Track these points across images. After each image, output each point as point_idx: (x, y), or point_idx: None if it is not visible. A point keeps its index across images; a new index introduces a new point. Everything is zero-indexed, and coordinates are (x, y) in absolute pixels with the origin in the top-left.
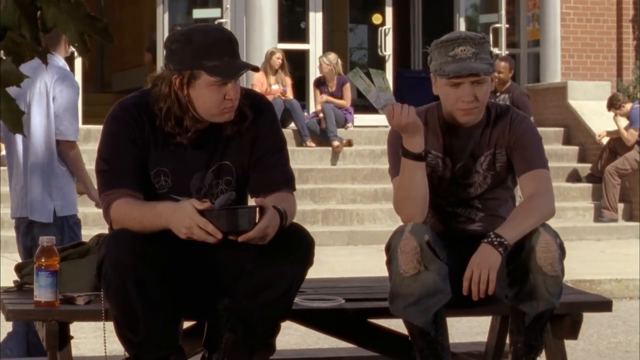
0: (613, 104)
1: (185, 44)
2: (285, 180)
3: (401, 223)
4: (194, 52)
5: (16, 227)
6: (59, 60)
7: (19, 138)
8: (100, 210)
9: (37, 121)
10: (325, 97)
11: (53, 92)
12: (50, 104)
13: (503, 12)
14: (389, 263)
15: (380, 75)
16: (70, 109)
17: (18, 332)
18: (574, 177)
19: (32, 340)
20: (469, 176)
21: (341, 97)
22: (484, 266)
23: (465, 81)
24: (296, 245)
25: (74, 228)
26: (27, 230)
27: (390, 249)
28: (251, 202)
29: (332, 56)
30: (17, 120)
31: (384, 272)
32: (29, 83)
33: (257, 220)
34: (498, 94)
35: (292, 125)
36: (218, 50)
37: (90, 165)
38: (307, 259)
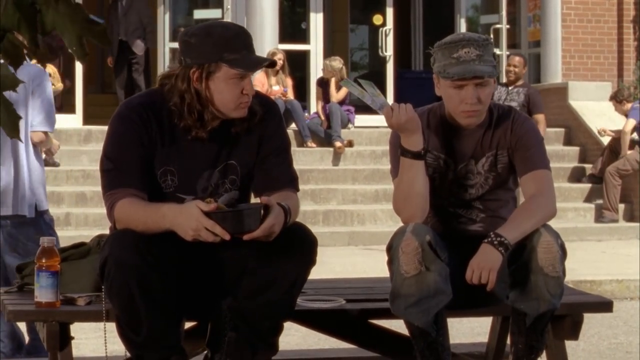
0: (616, 97)
1: (206, 37)
2: (289, 180)
3: (402, 224)
4: (215, 45)
5: None
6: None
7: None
8: (102, 211)
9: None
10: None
11: (32, 88)
12: (29, 99)
13: (504, 12)
14: (390, 263)
15: (370, 84)
16: (49, 102)
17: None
18: (575, 177)
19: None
20: (471, 177)
21: (342, 101)
22: (485, 266)
23: (469, 83)
24: (299, 245)
25: (50, 225)
26: None
27: (391, 249)
28: (254, 200)
29: (337, 63)
30: (14, 125)
31: (384, 272)
32: None
33: (262, 219)
34: (511, 87)
35: (293, 125)
36: (238, 44)
37: (92, 165)
38: (309, 258)
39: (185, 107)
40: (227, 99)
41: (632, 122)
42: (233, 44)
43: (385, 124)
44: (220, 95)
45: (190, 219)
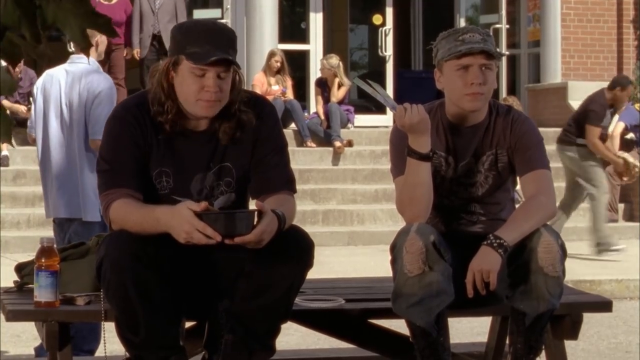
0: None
1: (179, 30)
2: (285, 182)
3: (402, 223)
4: (182, 38)
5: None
6: (84, 60)
7: (56, 140)
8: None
9: (80, 123)
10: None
11: (93, 94)
12: (91, 105)
13: (503, 12)
14: (394, 262)
15: (379, 86)
16: (107, 110)
17: None
18: None
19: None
20: (471, 175)
21: (342, 101)
22: (485, 268)
23: (475, 63)
24: (295, 248)
25: None
26: (67, 229)
27: (395, 249)
28: (252, 203)
29: (334, 60)
30: (6, 130)
31: (384, 272)
32: (66, 87)
33: (255, 224)
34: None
35: (293, 125)
36: (202, 38)
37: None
38: (306, 261)
39: (151, 97)
40: (186, 92)
41: (621, 125)
42: (197, 38)
43: (385, 124)
44: (180, 88)
45: (182, 221)
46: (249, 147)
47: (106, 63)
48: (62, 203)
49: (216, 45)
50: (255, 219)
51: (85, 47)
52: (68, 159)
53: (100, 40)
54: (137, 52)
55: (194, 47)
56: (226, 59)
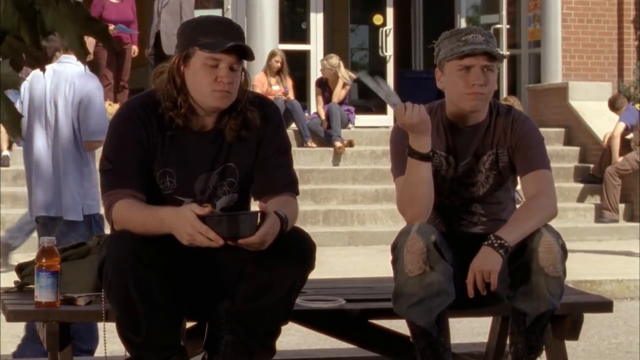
0: (615, 106)
1: (188, 25)
2: (288, 183)
3: (402, 223)
4: (193, 31)
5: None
6: (72, 60)
7: (40, 139)
8: (102, 212)
9: (64, 123)
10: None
11: (80, 95)
12: (78, 105)
13: (504, 12)
14: (395, 262)
15: (384, 81)
16: (97, 110)
17: (29, 338)
18: (575, 177)
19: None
20: (472, 175)
21: (342, 101)
22: (486, 269)
23: (477, 64)
24: (297, 249)
25: (99, 223)
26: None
27: (396, 249)
28: (254, 204)
29: (334, 60)
30: (16, 124)
31: (384, 272)
32: (52, 86)
33: (257, 225)
34: None
35: (293, 125)
36: (214, 30)
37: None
38: (308, 262)
39: (162, 94)
40: (201, 84)
41: (621, 126)
42: (209, 29)
43: (385, 124)
44: (195, 80)
45: (185, 223)
46: (254, 147)
47: (114, 61)
48: (45, 201)
49: (228, 36)
50: (258, 220)
51: (83, 56)
52: (51, 158)
53: (89, 41)
54: (145, 52)
55: (206, 38)
56: (241, 45)
